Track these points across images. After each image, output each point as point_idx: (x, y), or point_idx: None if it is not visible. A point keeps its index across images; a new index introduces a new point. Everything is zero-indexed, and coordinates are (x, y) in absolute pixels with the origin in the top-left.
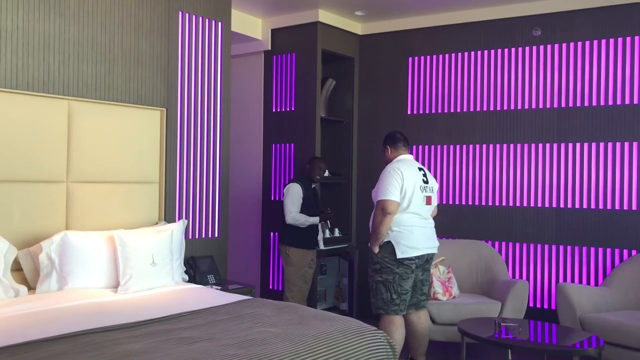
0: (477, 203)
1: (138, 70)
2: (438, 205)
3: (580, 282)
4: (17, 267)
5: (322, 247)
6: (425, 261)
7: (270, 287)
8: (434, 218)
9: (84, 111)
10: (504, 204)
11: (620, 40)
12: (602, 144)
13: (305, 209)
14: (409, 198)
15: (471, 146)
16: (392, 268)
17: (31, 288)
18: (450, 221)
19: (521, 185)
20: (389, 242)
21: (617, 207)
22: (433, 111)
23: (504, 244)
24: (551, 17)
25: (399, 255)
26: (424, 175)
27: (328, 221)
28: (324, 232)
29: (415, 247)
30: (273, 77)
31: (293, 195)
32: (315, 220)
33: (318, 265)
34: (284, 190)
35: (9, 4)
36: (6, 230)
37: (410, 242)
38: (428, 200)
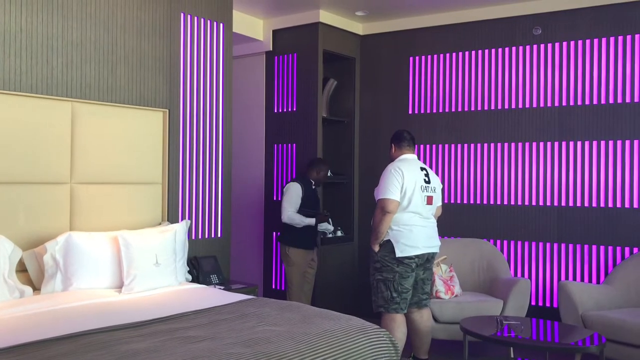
0: (478, 202)
1: (140, 72)
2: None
3: (582, 280)
4: (22, 268)
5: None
6: (426, 260)
7: (273, 286)
8: (439, 218)
9: (87, 113)
10: (505, 202)
11: (620, 38)
12: (603, 142)
13: (305, 210)
14: (408, 197)
15: (472, 145)
16: (392, 267)
17: (36, 289)
18: (452, 220)
19: (522, 183)
20: (389, 241)
21: (618, 205)
22: (434, 110)
23: (505, 242)
24: (552, 16)
25: (398, 254)
26: (426, 175)
27: (330, 220)
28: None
29: (415, 246)
30: (274, 77)
31: (291, 195)
32: (311, 221)
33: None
34: (283, 189)
35: (12, 7)
36: (11, 231)
37: (409, 241)
38: (429, 200)
